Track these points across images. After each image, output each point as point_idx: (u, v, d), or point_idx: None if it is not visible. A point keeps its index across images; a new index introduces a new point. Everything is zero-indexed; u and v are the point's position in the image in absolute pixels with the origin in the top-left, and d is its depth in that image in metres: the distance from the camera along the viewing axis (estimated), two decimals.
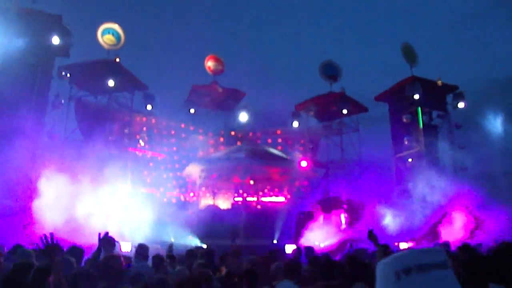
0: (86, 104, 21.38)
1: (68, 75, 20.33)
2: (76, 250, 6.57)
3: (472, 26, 50.70)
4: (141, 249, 7.58)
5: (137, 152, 23.45)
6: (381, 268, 1.68)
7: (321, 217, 20.69)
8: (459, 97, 22.02)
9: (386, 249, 6.71)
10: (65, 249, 6.45)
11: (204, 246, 15.41)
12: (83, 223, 16.21)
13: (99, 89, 21.30)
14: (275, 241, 18.62)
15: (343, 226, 20.51)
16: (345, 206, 21.33)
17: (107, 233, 6.69)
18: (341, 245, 19.09)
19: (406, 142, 21.88)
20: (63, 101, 20.54)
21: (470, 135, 22.17)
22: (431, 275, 1.58)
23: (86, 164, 17.48)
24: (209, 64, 25.89)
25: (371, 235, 6.08)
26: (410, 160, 22.08)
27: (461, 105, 21.88)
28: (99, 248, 6.36)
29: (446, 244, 12.91)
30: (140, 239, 14.42)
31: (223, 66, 26.20)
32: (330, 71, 24.69)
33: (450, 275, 1.64)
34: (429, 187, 18.72)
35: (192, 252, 8.31)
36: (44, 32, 17.78)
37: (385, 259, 1.75)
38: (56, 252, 4.01)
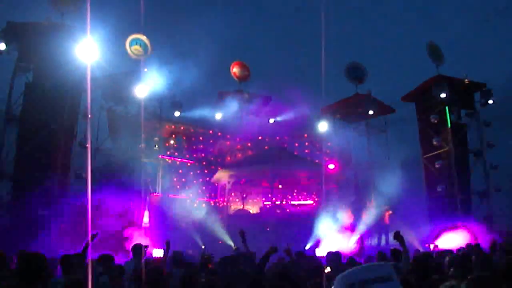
0: (116, 114, 21.82)
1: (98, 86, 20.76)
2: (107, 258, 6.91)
3: (497, 23, 49.85)
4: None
5: (167, 159, 23.84)
6: (336, 283, 2.02)
7: (350, 220, 20.71)
8: (487, 94, 21.70)
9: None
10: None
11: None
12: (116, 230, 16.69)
13: (128, 99, 21.68)
14: (307, 247, 18.67)
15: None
16: (373, 208, 21.32)
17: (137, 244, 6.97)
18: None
19: (435, 143, 21.60)
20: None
21: (500, 133, 21.87)
22: None
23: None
24: (235, 70, 26.15)
25: (398, 236, 6.23)
26: (439, 160, 21.81)
27: (490, 102, 21.55)
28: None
29: None
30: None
31: (249, 72, 26.42)
32: (356, 73, 24.56)
33: (393, 286, 1.92)
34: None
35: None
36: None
37: (342, 273, 2.06)
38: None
